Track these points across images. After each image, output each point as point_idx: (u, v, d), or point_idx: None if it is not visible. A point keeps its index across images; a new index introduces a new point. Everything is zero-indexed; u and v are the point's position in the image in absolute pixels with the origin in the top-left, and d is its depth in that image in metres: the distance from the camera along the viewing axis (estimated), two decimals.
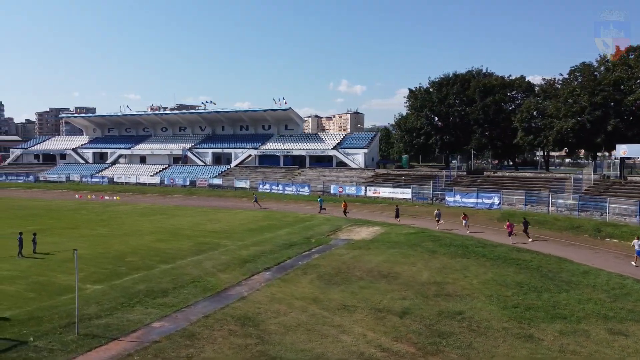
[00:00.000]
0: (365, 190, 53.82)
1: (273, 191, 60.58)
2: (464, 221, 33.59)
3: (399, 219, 37.20)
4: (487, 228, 34.84)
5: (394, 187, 52.56)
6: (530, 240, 29.04)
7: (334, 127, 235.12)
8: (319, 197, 46.77)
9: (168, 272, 20.80)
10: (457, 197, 46.83)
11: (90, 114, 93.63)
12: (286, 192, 59.30)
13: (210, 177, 69.44)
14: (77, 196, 54.60)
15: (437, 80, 62.03)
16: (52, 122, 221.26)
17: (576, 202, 38.81)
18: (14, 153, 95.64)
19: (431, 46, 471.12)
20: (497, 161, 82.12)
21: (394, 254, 24.67)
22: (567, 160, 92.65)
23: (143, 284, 18.81)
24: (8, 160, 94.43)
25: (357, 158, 71.70)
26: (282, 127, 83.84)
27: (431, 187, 52.29)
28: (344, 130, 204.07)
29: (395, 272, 20.96)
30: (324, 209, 42.79)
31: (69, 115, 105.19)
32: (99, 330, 14.04)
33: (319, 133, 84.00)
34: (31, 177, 77.69)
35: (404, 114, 69.39)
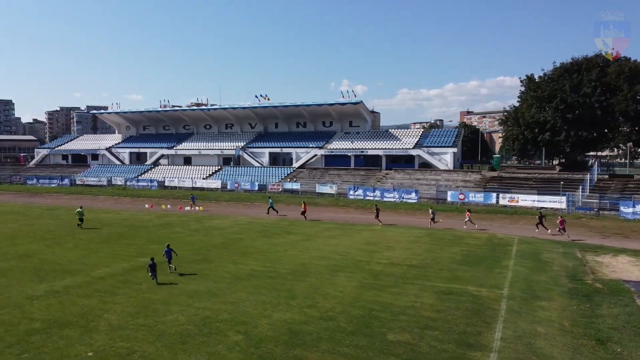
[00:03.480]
0: (498, 197, 43.88)
1: (368, 198, 50.74)
2: (467, 218, 32.81)
3: (379, 219, 34.62)
4: None
5: (539, 194, 42.57)
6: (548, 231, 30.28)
7: None
8: (269, 197, 43.27)
9: None
10: (638, 208, 36.97)
11: (126, 110, 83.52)
12: (385, 200, 49.45)
13: (281, 181, 59.62)
14: (147, 206, 44.03)
15: (565, 64, 51.91)
16: (62, 121, 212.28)
17: None
18: (40, 153, 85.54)
19: (431, 47, 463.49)
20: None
21: None
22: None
23: None
24: (33, 162, 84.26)
25: (445, 158, 62.05)
26: (346, 124, 74.15)
27: (579, 192, 42.85)
28: None
29: None
30: (276, 210, 39.91)
31: (102, 111, 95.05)
32: None
33: (391, 130, 74.21)
34: (66, 181, 67.48)
35: (516, 105, 59.24)
